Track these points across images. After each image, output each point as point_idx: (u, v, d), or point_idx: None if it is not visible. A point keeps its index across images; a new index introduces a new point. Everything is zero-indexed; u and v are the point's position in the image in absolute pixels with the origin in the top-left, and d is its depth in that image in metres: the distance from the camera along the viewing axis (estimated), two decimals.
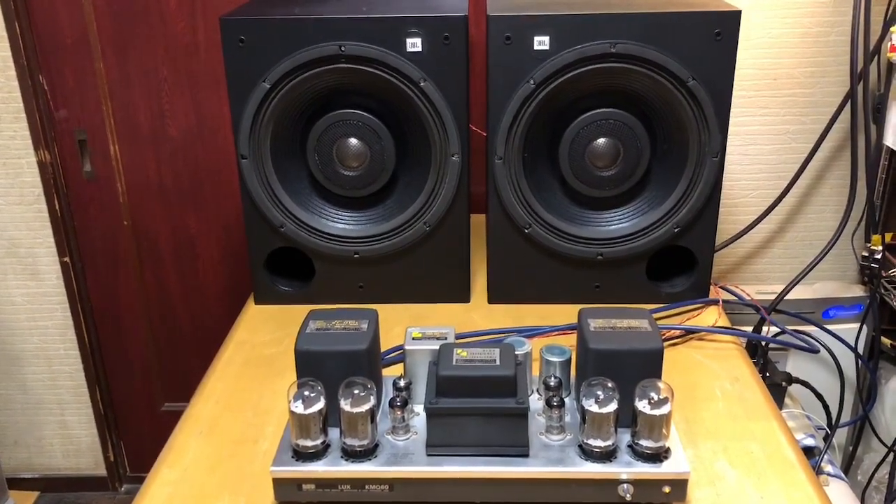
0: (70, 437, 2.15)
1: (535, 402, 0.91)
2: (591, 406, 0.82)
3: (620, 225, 1.27)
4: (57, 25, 1.74)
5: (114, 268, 1.97)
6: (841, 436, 1.90)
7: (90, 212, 1.91)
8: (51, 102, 1.81)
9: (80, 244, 1.95)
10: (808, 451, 1.54)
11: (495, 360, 0.85)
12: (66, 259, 1.93)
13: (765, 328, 1.54)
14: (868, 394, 1.78)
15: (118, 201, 1.89)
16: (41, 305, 1.99)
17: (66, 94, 1.80)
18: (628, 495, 0.82)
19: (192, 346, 2.05)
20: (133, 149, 1.84)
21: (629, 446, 0.84)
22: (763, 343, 1.53)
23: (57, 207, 1.88)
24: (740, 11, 1.15)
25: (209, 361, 1.20)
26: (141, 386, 2.10)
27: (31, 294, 1.98)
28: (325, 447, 0.85)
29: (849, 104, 1.63)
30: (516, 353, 0.87)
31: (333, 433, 0.86)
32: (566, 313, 1.22)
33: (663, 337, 0.89)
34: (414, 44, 1.16)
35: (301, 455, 0.84)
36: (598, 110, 1.20)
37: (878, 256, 1.66)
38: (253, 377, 1.14)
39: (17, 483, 2.17)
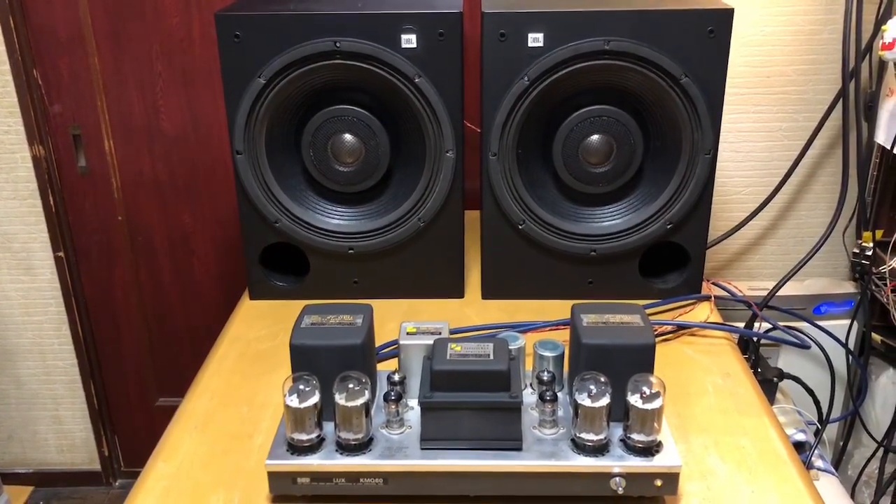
0: (64, 432, 2.15)
1: (529, 396, 0.92)
2: (584, 400, 0.82)
3: (613, 221, 1.28)
4: (52, 20, 1.74)
5: (108, 263, 1.97)
6: (831, 431, 1.91)
7: (85, 207, 1.91)
8: (45, 97, 1.81)
9: (75, 239, 1.95)
10: (799, 446, 1.55)
11: (489, 355, 0.86)
12: (61, 254, 1.93)
13: (756, 324, 1.55)
14: (858, 389, 1.79)
15: (112, 196, 1.89)
16: (35, 300, 1.99)
17: (61, 89, 1.80)
18: (620, 489, 0.83)
19: (187, 341, 2.05)
20: (127, 144, 1.84)
21: (621, 440, 0.85)
22: (754, 339, 1.54)
23: (51, 202, 1.88)
24: (733, 9, 1.15)
25: (203, 357, 1.20)
26: (135, 381, 2.10)
27: (26, 289, 1.98)
28: (320, 441, 0.85)
29: (840, 102, 1.64)
30: (510, 348, 0.88)
31: (328, 427, 0.86)
32: (559, 309, 1.23)
33: (655, 332, 0.89)
34: (409, 40, 1.16)
35: (296, 449, 0.85)
36: (592, 107, 1.21)
37: (869, 253, 1.67)
38: (248, 372, 1.14)
39: (11, 478, 2.18)
